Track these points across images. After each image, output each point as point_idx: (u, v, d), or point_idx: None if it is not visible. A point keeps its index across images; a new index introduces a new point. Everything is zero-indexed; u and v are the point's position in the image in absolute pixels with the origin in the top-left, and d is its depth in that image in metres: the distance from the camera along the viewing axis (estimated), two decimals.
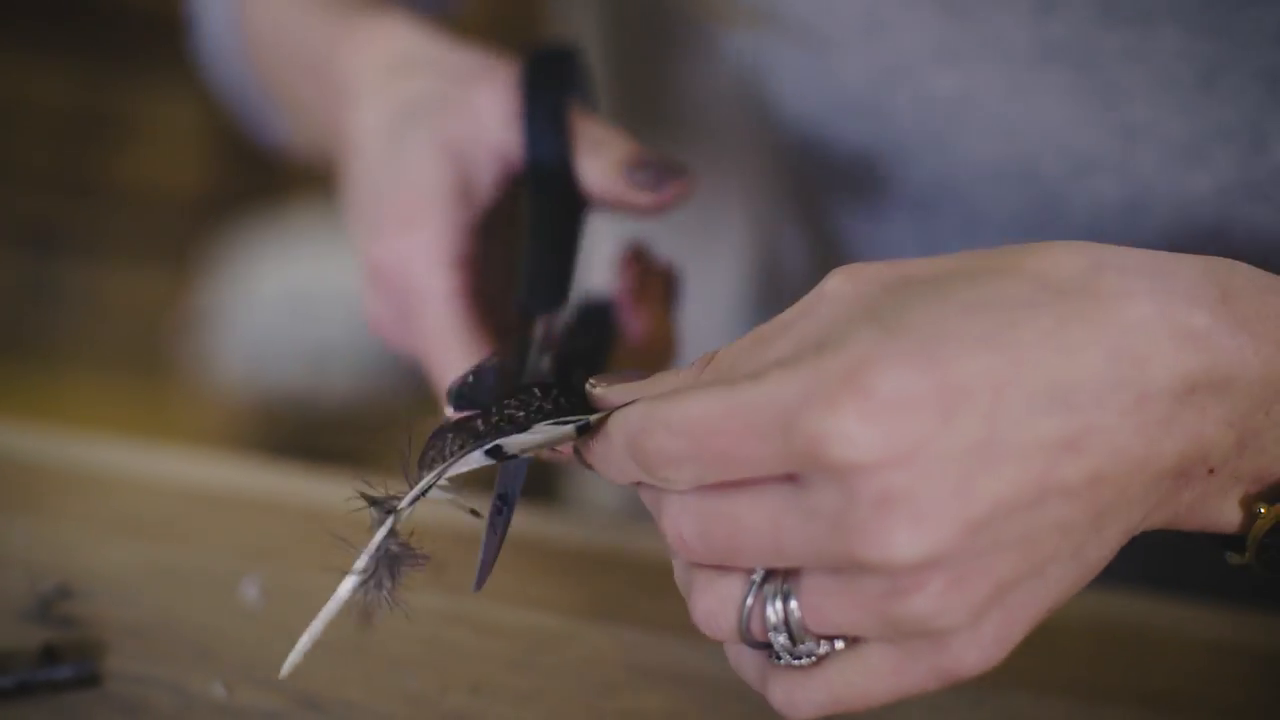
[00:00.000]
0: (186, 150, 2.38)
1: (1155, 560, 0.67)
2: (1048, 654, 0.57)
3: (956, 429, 0.42)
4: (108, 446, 0.73)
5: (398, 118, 0.68)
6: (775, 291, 0.91)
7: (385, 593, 0.48)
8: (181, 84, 2.31)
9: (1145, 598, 0.63)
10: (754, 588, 0.45)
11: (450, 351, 0.64)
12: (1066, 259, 0.45)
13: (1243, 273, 0.47)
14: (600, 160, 0.64)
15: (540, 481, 1.26)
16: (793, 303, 0.47)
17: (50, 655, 0.57)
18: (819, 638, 0.45)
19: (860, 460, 0.42)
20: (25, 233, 2.35)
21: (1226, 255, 0.66)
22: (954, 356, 0.42)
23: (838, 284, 0.46)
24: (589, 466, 0.50)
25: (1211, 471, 0.46)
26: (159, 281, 2.25)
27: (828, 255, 0.80)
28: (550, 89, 0.66)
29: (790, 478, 0.44)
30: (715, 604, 0.46)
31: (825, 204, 0.78)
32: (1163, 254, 0.46)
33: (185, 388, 2.10)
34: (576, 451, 0.50)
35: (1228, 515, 0.48)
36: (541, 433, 0.49)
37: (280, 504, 0.70)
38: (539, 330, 0.61)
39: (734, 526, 0.45)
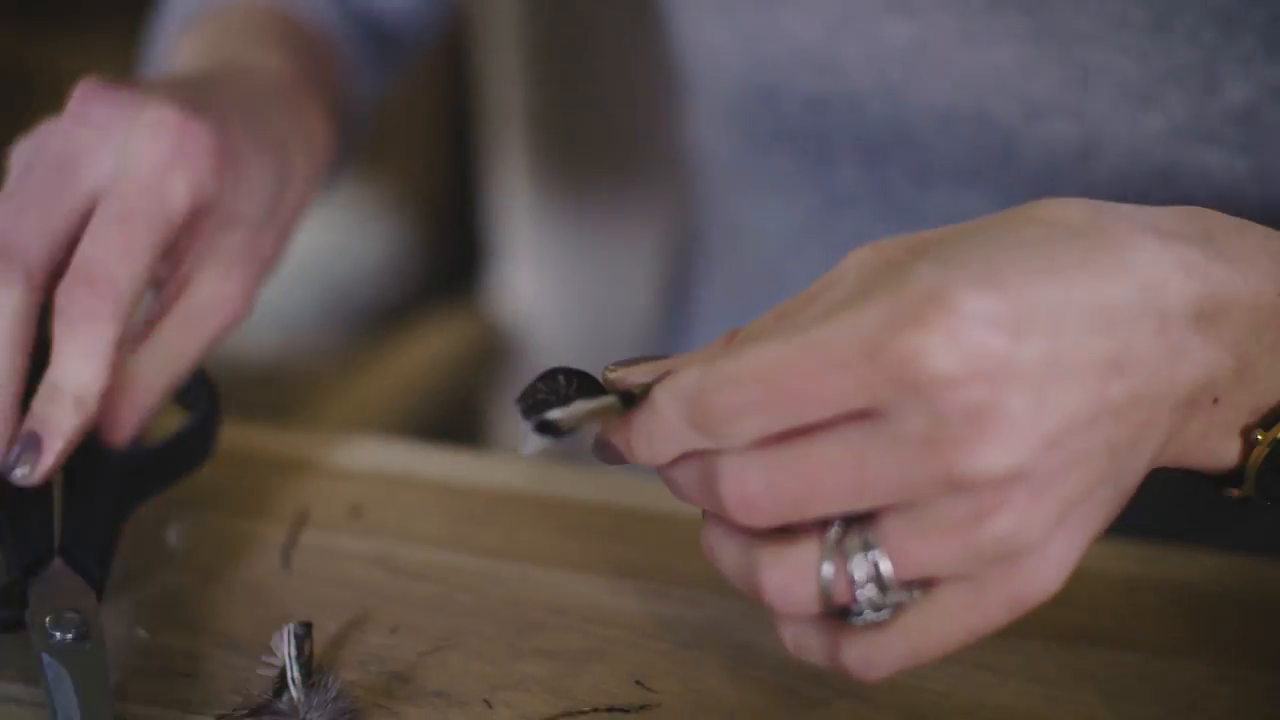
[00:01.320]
0: None
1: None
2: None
3: (1029, 347, 0.44)
4: None
5: None
6: (695, 265, 0.91)
7: None
8: (109, 43, 2.29)
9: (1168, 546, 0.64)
10: (830, 547, 0.45)
11: None
12: (1069, 210, 0.47)
13: (1215, 216, 0.49)
14: None
15: (461, 425, 1.27)
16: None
17: None
18: (903, 584, 0.45)
19: (952, 374, 0.43)
20: None
21: (1177, 198, 0.68)
22: (1014, 282, 0.44)
23: (860, 255, 0.47)
24: (612, 457, 0.50)
25: (1216, 401, 0.48)
26: None
27: (771, 215, 0.80)
28: None
29: (863, 415, 0.44)
30: (789, 574, 0.46)
31: (774, 155, 0.78)
32: (1142, 207, 0.48)
33: None
34: (598, 445, 0.50)
35: (1228, 450, 0.50)
36: (583, 406, 0.48)
37: None
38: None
39: (808, 471, 0.44)
